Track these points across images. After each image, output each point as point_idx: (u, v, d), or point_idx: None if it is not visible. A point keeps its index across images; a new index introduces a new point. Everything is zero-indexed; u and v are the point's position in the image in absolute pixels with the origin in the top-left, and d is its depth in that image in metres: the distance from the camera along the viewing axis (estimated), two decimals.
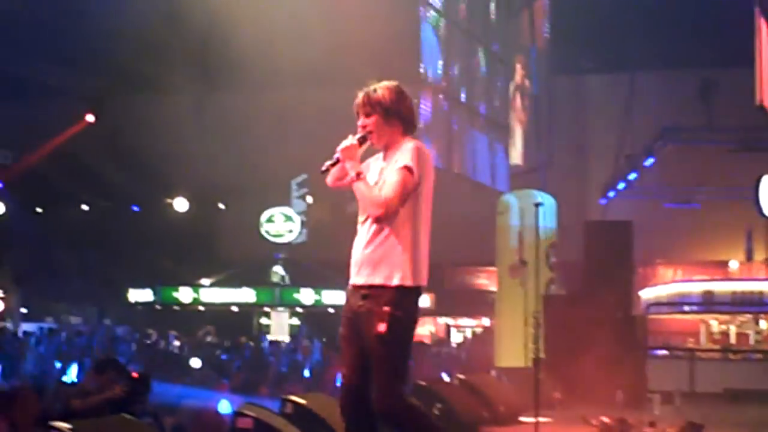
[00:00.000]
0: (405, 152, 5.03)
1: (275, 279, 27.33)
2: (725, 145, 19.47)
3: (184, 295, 27.61)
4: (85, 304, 29.17)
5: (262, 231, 27.04)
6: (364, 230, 5.08)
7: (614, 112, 21.92)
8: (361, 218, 5.11)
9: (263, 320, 28.72)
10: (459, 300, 26.65)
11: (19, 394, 8.38)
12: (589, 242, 14.35)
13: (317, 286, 25.59)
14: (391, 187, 4.96)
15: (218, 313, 26.87)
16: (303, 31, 16.76)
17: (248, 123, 23.37)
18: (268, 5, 16.06)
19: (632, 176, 20.03)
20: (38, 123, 24.83)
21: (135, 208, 28.25)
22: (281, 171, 24.62)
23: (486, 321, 24.86)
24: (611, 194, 21.20)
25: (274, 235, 27.03)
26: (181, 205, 26.66)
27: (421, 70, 16.88)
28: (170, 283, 27.74)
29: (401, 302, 4.98)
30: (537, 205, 12.05)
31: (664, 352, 14.12)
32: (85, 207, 28.41)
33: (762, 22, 16.47)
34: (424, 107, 17.22)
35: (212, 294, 27.70)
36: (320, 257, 24.34)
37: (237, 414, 7.45)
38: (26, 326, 25.27)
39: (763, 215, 17.23)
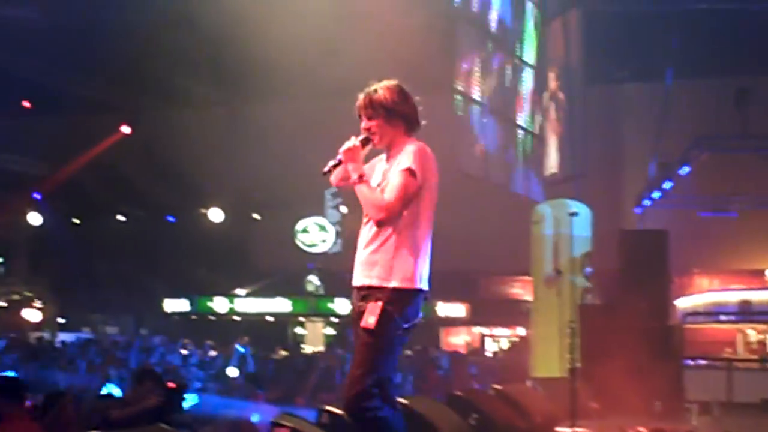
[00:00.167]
0: (407, 154, 5.01)
1: (310, 289, 27.38)
2: (761, 152, 19.33)
3: (220, 305, 27.75)
4: (122, 314, 29.37)
5: (297, 241, 27.12)
6: (366, 231, 5.10)
7: (649, 120, 21.82)
8: (364, 219, 5.12)
9: (298, 330, 28.79)
10: (494, 309, 26.59)
11: (56, 402, 8.46)
12: (624, 251, 14.27)
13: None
14: (392, 190, 4.96)
15: (253, 323, 26.96)
16: (335, 43, 16.82)
17: (282, 133, 23.43)
18: (300, 18, 16.11)
19: (667, 185, 19.92)
20: (75, 135, 25.03)
21: (171, 219, 28.40)
22: (315, 181, 24.66)
23: (521, 330, 24.78)
24: (646, 203, 21.09)
25: (309, 245, 27.10)
26: (216, 215, 26.78)
27: (455, 81, 16.85)
28: (206, 293, 27.88)
29: (396, 302, 4.95)
30: (572, 214, 12.05)
31: (701, 362, 14.01)
32: (121, 218, 28.60)
33: None
34: (460, 116, 17.20)
35: (247, 304, 27.82)
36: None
37: (274, 424, 7.46)
38: (64, 336, 25.48)
39: None
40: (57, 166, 26.32)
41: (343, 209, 27.02)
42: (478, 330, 28.08)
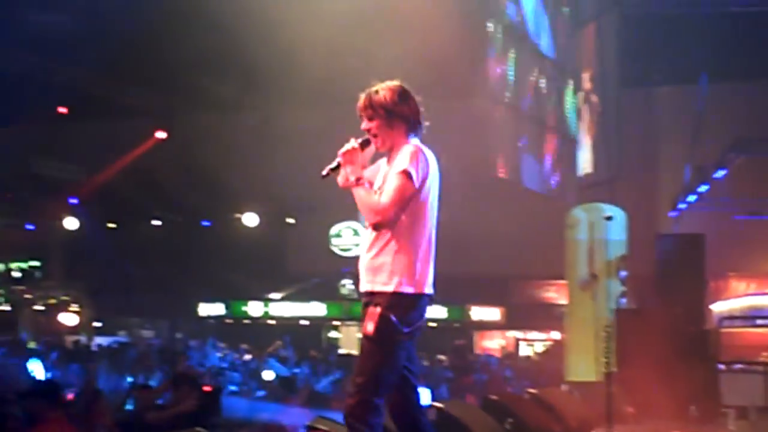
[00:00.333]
0: (404, 156, 4.91)
1: (344, 293, 27.40)
2: None
3: (255, 309, 27.87)
4: (158, 318, 29.52)
5: (331, 245, 27.17)
6: (368, 235, 5.04)
7: (684, 123, 21.69)
8: (365, 224, 5.07)
9: (332, 334, 28.82)
10: (528, 313, 26.52)
11: (92, 403, 8.53)
12: (660, 255, 14.21)
13: None
14: (388, 193, 4.86)
15: (288, 326, 27.02)
16: (368, 47, 16.85)
17: (316, 137, 23.44)
18: (332, 23, 16.16)
19: (703, 188, 19.80)
20: (111, 140, 25.21)
21: (206, 223, 28.52)
22: None
23: (555, 335, 24.70)
24: (682, 207, 20.97)
25: (343, 250, 27.14)
26: (250, 220, 26.85)
27: (490, 86, 16.85)
28: (240, 297, 27.99)
29: (396, 306, 4.87)
30: (607, 218, 11.99)
31: (737, 366, 13.92)
32: (156, 222, 28.74)
33: None
34: (494, 121, 17.21)
35: (282, 308, 27.90)
36: None
37: (308, 428, 7.48)
38: (100, 340, 25.63)
39: None
40: (93, 172, 26.50)
41: None
42: (512, 334, 28.01)
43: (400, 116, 5.05)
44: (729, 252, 20.75)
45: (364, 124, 5.11)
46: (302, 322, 27.73)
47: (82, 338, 26.02)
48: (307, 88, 19.29)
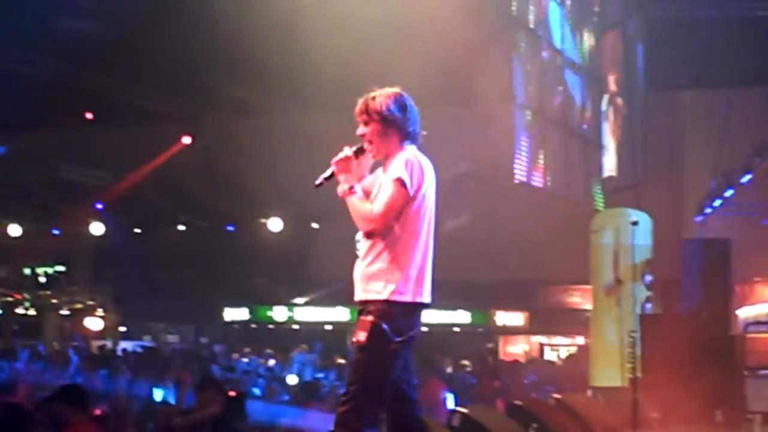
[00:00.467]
0: (397, 163, 4.87)
1: None
2: None
3: (279, 314, 27.93)
4: (182, 323, 29.63)
5: (356, 250, 27.16)
6: (363, 244, 5.05)
7: (710, 128, 21.59)
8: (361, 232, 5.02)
9: None
10: (552, 318, 26.48)
11: (115, 409, 8.58)
12: (686, 260, 14.17)
13: None
14: (380, 201, 4.83)
15: (312, 331, 27.07)
16: (392, 52, 16.86)
17: (340, 143, 23.48)
18: (357, 29, 16.18)
19: (729, 193, 19.71)
20: (136, 146, 25.32)
21: (230, 229, 28.60)
22: None
23: (580, 340, 24.64)
24: (707, 211, 20.88)
25: None
26: (275, 225, 26.89)
27: (514, 92, 16.82)
28: (265, 302, 28.04)
29: (388, 315, 4.79)
30: (633, 223, 11.97)
31: (763, 371, 13.85)
32: (181, 227, 28.85)
33: None
34: (518, 126, 17.17)
35: (306, 313, 27.94)
36: None
37: None
38: (125, 344, 25.76)
39: None
40: (119, 177, 26.62)
41: None
42: (536, 339, 27.96)
43: (394, 124, 4.99)
44: (755, 257, 20.61)
45: (360, 130, 5.09)
46: (327, 326, 27.74)
47: (108, 343, 26.15)
48: (332, 93, 19.31)
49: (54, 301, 29.57)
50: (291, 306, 27.97)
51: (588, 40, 20.24)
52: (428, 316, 23.64)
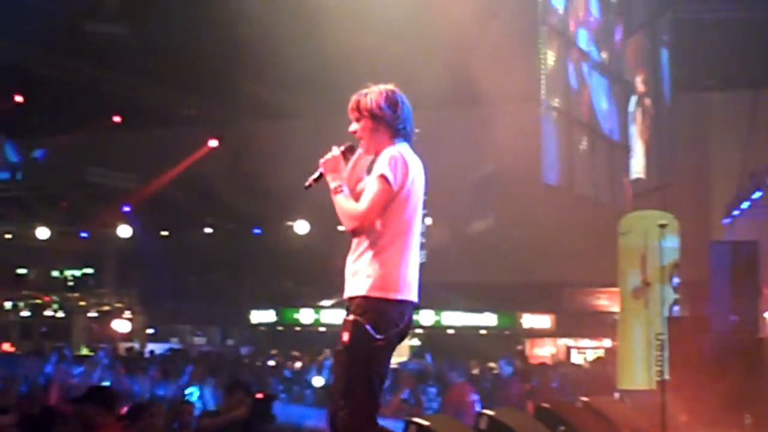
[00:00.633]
0: (382, 160, 4.86)
1: None
2: None
3: (306, 316, 27.92)
4: (209, 325, 29.72)
5: None
6: (352, 242, 4.96)
7: (737, 129, 21.49)
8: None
9: None
10: (579, 321, 26.40)
11: (146, 408, 8.61)
12: (713, 263, 14.08)
13: (437, 307, 25.59)
14: (365, 199, 4.82)
15: (338, 334, 27.05)
16: (418, 54, 16.86)
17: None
18: (383, 31, 16.21)
19: (756, 195, 19.59)
20: (164, 149, 25.44)
21: (257, 231, 28.66)
22: None
23: (607, 342, 24.55)
24: (735, 213, 20.76)
25: None
26: (302, 227, 26.92)
27: (542, 93, 16.77)
28: (292, 304, 28.06)
29: (369, 311, 4.76)
30: (661, 226, 11.92)
31: None
32: (208, 230, 28.94)
33: None
34: (544, 128, 17.12)
35: (333, 315, 27.93)
36: (439, 278, 24.37)
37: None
38: (152, 346, 25.86)
39: None
40: (146, 180, 26.76)
41: (428, 220, 27.03)
42: (563, 342, 27.86)
43: (384, 122, 4.98)
44: None
45: (351, 126, 5.08)
46: None
47: (135, 345, 26.28)
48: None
49: (82, 303, 29.74)
50: (317, 308, 27.97)
51: (616, 41, 20.19)
52: (454, 319, 23.67)
